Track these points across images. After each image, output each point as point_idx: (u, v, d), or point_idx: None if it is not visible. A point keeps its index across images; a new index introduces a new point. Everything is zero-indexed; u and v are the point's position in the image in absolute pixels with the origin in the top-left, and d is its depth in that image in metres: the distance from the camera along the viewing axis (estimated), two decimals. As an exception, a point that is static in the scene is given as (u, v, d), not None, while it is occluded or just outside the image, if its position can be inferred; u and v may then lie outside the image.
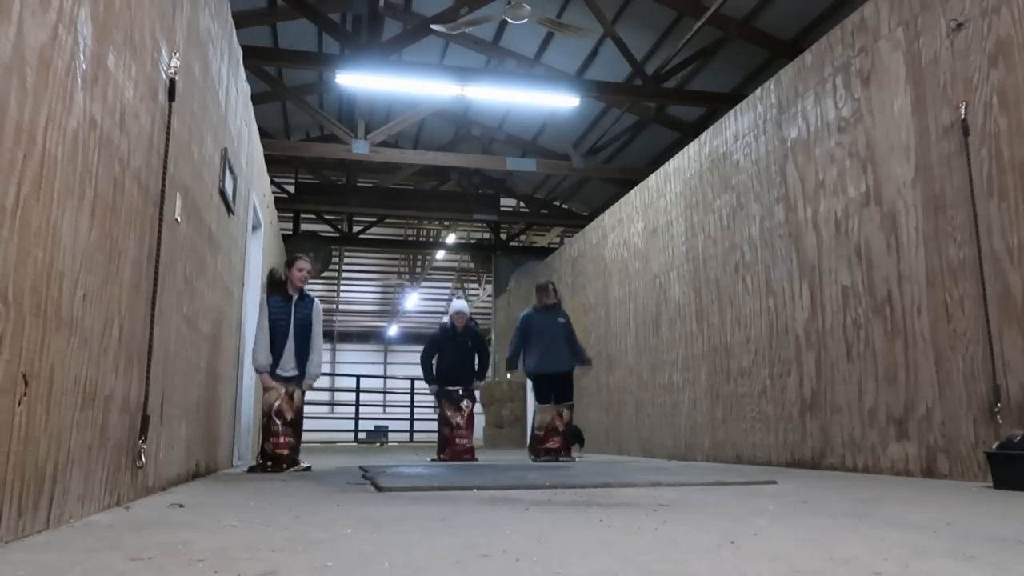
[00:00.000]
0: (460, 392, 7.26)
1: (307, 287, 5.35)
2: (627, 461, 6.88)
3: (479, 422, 10.03)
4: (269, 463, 5.01)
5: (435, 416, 7.75)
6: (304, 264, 5.31)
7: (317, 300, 5.45)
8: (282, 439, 5.06)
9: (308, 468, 5.11)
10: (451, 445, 7.09)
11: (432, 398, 7.52)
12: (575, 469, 4.98)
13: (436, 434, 7.41)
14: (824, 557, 1.56)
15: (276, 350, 5.15)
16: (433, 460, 7.03)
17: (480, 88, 8.66)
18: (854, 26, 4.96)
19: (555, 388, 6.94)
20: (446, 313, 8.00)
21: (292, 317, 5.21)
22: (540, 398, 6.98)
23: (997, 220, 3.80)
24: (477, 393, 7.47)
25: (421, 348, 7.54)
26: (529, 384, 13.14)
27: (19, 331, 1.70)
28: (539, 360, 6.98)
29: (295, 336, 5.18)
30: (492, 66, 10.52)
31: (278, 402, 5.11)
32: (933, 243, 4.21)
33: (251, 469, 5.10)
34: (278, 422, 5.09)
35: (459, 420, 7.15)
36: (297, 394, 5.17)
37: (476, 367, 7.36)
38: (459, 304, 7.58)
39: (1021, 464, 3.24)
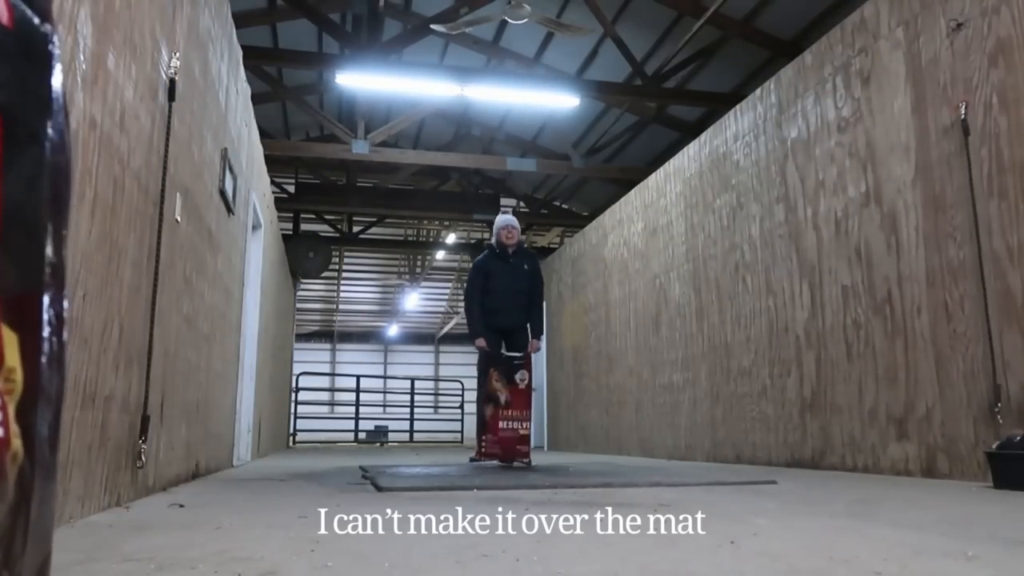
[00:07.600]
0: (518, 359, 5.35)
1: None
2: (627, 461, 6.88)
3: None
4: None
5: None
6: None
7: None
8: None
9: None
10: (494, 431, 5.20)
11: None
12: (575, 469, 4.98)
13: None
14: (824, 557, 1.56)
15: None
16: (473, 460, 5.31)
17: (480, 88, 8.66)
18: (854, 26, 4.96)
19: None
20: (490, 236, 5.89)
21: None
22: None
23: (997, 220, 3.80)
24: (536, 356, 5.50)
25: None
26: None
27: (19, 331, 1.69)
28: None
29: None
30: (492, 66, 10.52)
31: None
32: (933, 243, 4.21)
33: None
34: None
35: (508, 397, 5.25)
36: None
37: (531, 315, 5.50)
38: (506, 218, 5.69)
39: (1021, 464, 3.24)
